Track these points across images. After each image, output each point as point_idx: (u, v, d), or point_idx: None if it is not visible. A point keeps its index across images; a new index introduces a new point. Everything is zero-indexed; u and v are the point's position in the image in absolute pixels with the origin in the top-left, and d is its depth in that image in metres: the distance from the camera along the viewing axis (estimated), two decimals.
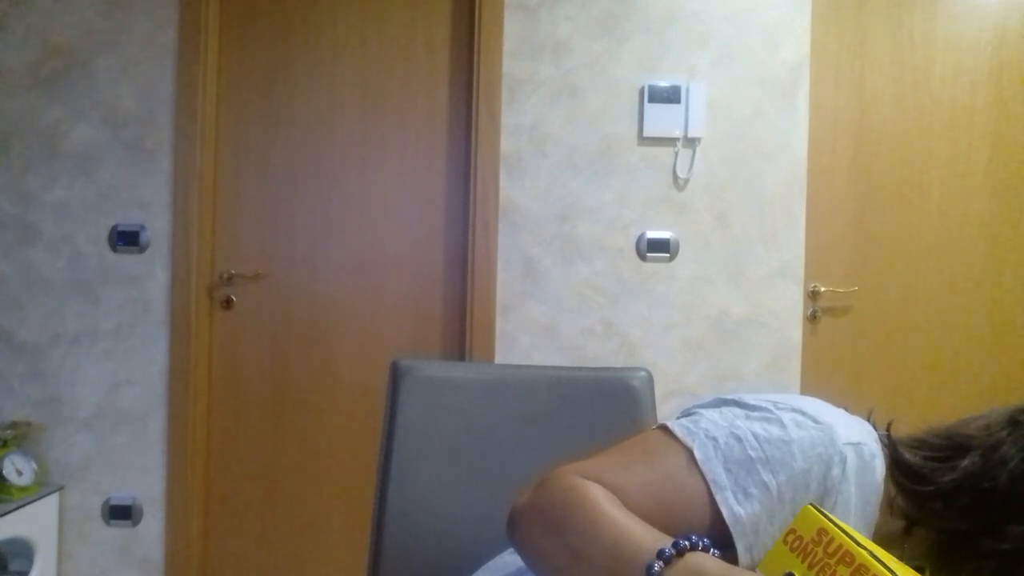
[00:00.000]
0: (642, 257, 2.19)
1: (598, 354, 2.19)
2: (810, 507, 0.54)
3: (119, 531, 2.13)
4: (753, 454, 0.60)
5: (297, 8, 2.21)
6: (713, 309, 2.20)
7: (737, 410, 0.65)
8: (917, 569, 0.56)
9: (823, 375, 2.26)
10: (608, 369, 1.09)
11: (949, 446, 0.63)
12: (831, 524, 0.52)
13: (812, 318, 2.28)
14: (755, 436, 0.61)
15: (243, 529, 2.22)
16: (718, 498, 0.59)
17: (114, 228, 2.12)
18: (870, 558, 0.49)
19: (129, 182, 2.13)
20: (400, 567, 0.97)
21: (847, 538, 0.51)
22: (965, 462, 0.61)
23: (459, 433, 1.02)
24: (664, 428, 0.65)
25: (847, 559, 0.50)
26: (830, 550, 0.51)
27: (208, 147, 2.17)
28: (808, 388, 2.22)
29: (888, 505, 0.63)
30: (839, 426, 0.62)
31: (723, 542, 0.58)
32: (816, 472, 0.60)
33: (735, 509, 0.58)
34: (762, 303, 2.20)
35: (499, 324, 2.17)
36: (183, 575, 2.13)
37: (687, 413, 0.68)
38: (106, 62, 2.12)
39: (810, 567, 0.51)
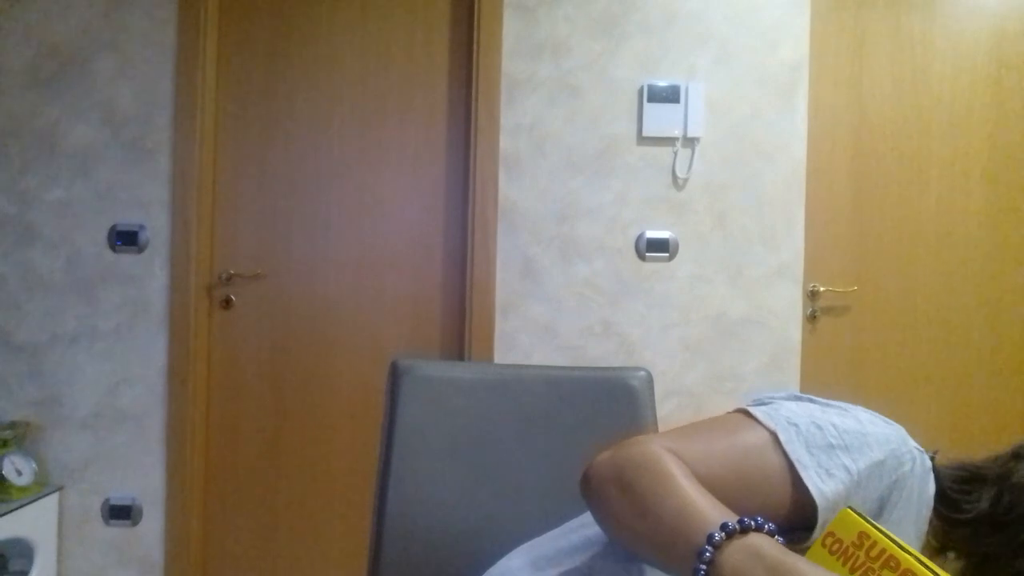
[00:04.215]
0: (641, 257, 2.19)
1: (597, 354, 2.19)
2: (848, 510, 0.53)
3: (119, 531, 2.13)
4: (833, 441, 0.62)
5: (297, 8, 2.21)
6: (712, 309, 2.20)
7: (812, 404, 0.68)
8: None
9: (823, 375, 2.26)
10: (607, 369, 1.09)
11: (968, 478, 0.66)
12: (872, 528, 0.51)
13: (811, 318, 2.28)
14: (834, 426, 0.63)
15: (243, 529, 2.21)
16: (803, 475, 0.60)
17: (113, 228, 2.12)
18: (916, 563, 0.48)
19: (128, 182, 2.13)
20: (400, 567, 0.97)
21: (890, 542, 0.50)
22: (985, 492, 0.64)
23: (459, 433, 1.02)
24: (744, 412, 0.67)
25: (892, 563, 0.49)
26: (872, 554, 0.50)
27: (208, 147, 2.16)
28: (808, 388, 2.22)
29: (929, 524, 0.66)
30: (905, 431, 0.66)
31: (796, 524, 0.60)
32: (890, 465, 0.62)
33: (820, 486, 0.60)
34: (761, 303, 2.20)
35: (498, 324, 2.17)
36: (183, 575, 2.13)
37: (762, 402, 0.70)
38: (105, 62, 2.12)
39: (852, 571, 0.51)
